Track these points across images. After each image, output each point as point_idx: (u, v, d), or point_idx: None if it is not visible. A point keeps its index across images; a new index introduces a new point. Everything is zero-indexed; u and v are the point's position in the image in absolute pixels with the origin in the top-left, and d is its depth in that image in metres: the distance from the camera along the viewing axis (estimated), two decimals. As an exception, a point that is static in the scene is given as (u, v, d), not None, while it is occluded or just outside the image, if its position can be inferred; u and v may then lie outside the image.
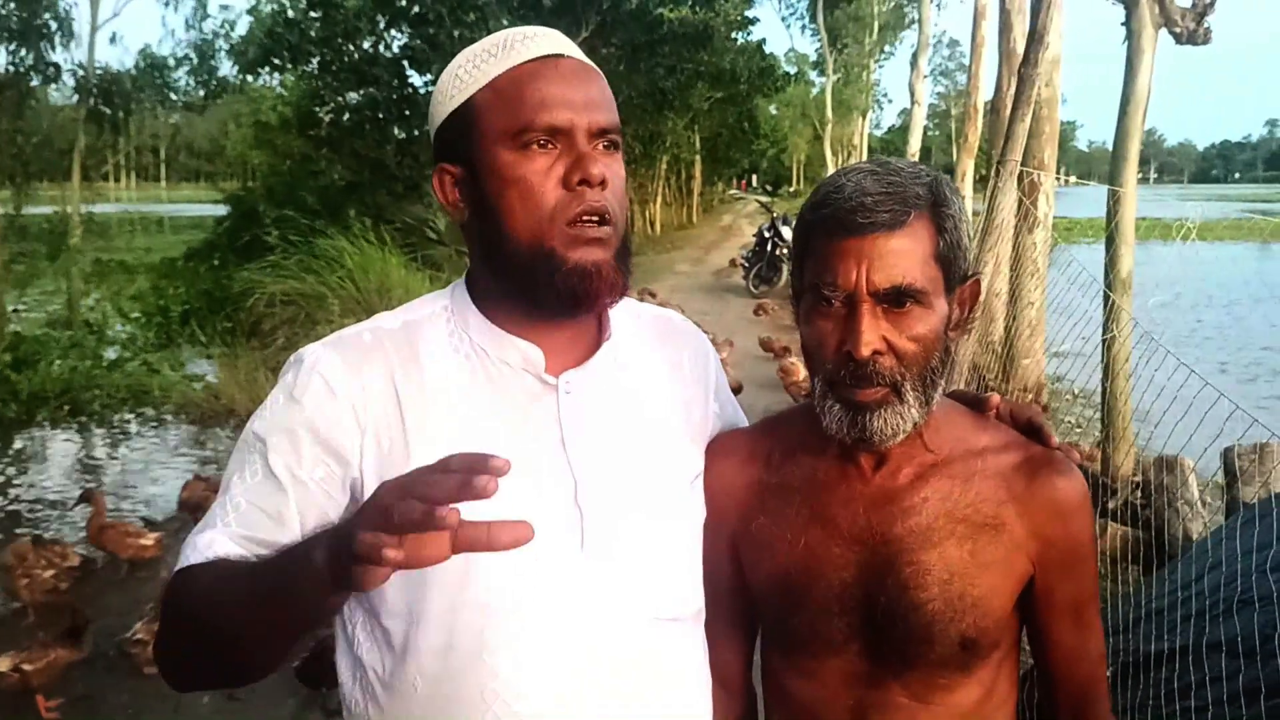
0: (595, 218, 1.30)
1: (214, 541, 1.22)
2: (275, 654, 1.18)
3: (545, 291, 1.30)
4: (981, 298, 1.43)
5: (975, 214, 6.46)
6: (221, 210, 20.79)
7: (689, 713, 1.42)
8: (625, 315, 1.49)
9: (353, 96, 18.47)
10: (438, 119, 1.35)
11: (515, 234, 1.29)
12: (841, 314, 1.31)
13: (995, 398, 1.51)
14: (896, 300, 1.29)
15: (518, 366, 1.35)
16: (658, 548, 1.36)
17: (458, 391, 1.31)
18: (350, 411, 1.28)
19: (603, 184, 1.29)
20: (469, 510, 1.17)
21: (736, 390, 9.83)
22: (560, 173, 1.28)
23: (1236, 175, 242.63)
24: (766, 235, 19.68)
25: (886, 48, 52.44)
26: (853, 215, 1.28)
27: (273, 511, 1.25)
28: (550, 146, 1.28)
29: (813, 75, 60.65)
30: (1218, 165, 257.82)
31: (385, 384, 1.30)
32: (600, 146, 1.31)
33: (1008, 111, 9.57)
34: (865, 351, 1.29)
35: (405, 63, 18.43)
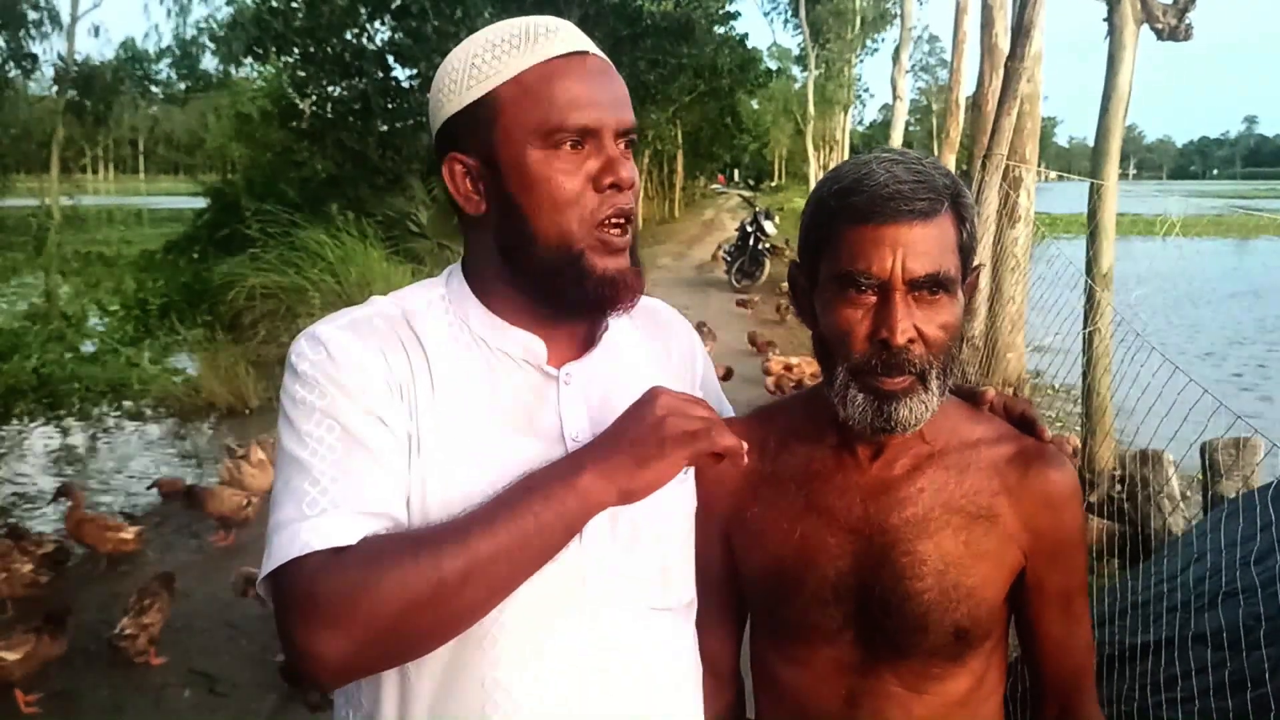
0: (621, 220, 1.30)
1: (338, 527, 1.14)
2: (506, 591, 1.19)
3: (572, 295, 1.31)
4: (978, 288, 1.44)
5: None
6: (201, 203, 20.70)
7: (681, 701, 1.42)
8: None
9: (335, 89, 18.40)
10: (450, 107, 1.32)
11: (542, 233, 1.28)
12: (871, 302, 1.31)
13: (990, 392, 1.51)
14: (930, 289, 1.30)
15: (518, 358, 1.34)
16: (654, 539, 1.37)
17: (461, 381, 1.30)
18: (390, 391, 1.26)
19: (630, 186, 1.30)
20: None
21: (726, 376, 9.99)
22: (589, 173, 1.28)
23: (1215, 172, 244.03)
24: (749, 230, 19.68)
25: (868, 43, 52.53)
26: (890, 202, 1.28)
27: (380, 467, 1.22)
28: (580, 147, 1.28)
29: (795, 70, 60.80)
30: (1196, 161, 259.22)
31: (405, 365, 1.28)
32: (623, 146, 1.31)
33: (990, 106, 9.61)
34: (902, 339, 1.28)
35: (389, 55, 18.37)
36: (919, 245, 1.28)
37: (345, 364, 1.25)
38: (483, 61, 1.29)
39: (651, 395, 1.24)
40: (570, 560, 1.28)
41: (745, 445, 1.22)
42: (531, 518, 1.16)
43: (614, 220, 1.30)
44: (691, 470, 1.48)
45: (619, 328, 1.44)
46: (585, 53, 1.31)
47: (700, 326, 11.72)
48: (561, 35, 1.30)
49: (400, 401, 1.26)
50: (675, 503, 1.42)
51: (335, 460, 1.19)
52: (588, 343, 1.40)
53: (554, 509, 1.17)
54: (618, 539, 1.32)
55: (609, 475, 1.18)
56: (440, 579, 1.11)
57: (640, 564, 1.35)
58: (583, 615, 1.29)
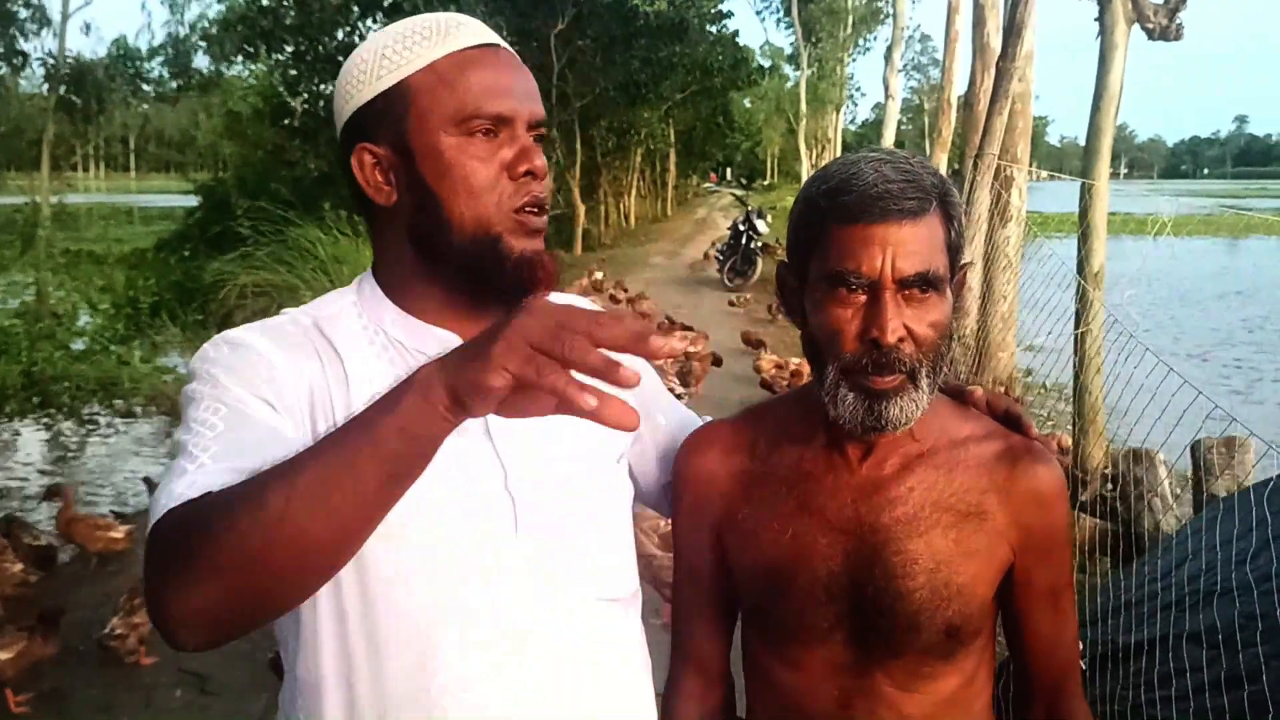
0: (536, 208, 1.30)
1: (196, 482, 1.07)
2: (359, 530, 1.04)
3: (493, 280, 1.28)
4: (967, 286, 1.44)
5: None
6: (192, 201, 20.68)
7: (632, 692, 1.41)
8: None
9: (327, 87, 18.40)
10: (358, 98, 1.31)
11: (457, 218, 1.27)
12: (861, 301, 1.31)
13: (977, 391, 1.52)
14: (920, 287, 1.30)
15: (435, 356, 1.29)
16: (591, 529, 1.35)
17: (378, 385, 1.23)
18: (293, 387, 1.23)
19: (544, 175, 1.30)
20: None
21: (716, 363, 10.04)
22: (504, 161, 1.28)
23: (1205, 171, 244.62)
24: (741, 228, 19.69)
25: (860, 42, 52.72)
26: (879, 202, 1.28)
27: (259, 433, 1.16)
28: (493, 135, 1.28)
29: (787, 69, 60.90)
30: (1187, 161, 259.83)
31: (318, 369, 1.26)
32: (532, 139, 1.31)
33: (981, 106, 9.64)
34: (892, 338, 1.29)
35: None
36: (908, 244, 1.28)
37: (244, 355, 1.24)
38: (393, 52, 1.29)
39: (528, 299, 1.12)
40: (507, 559, 1.26)
41: (595, 402, 0.93)
42: (361, 424, 1.02)
43: (529, 207, 1.29)
44: (625, 457, 1.48)
45: None
46: (496, 45, 1.31)
47: (702, 335, 11.77)
48: (472, 28, 1.31)
49: (308, 405, 1.24)
50: (607, 489, 1.41)
51: (215, 436, 1.14)
52: None
53: (386, 409, 1.01)
54: (553, 533, 1.30)
55: (443, 368, 1.01)
56: (268, 500, 0.98)
57: (581, 554, 1.33)
58: (528, 611, 1.27)
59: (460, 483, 1.24)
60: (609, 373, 0.91)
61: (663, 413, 1.62)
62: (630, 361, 1.39)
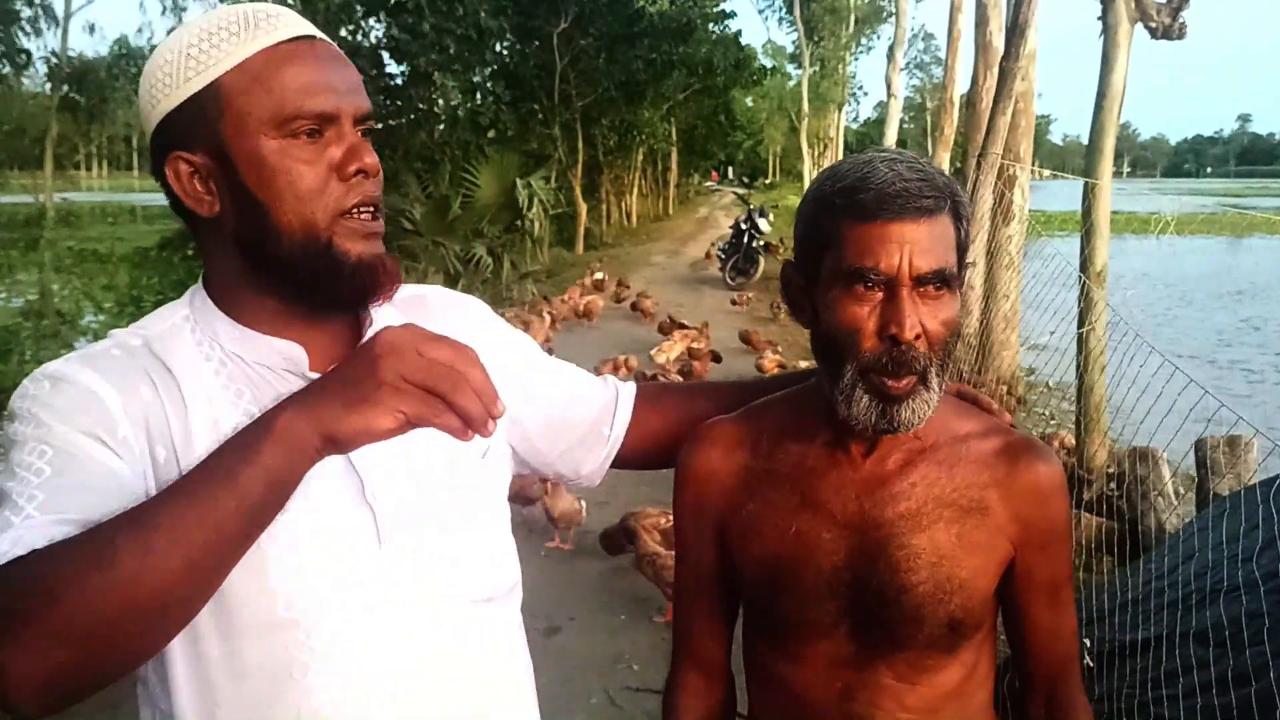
0: (371, 208, 1.23)
1: (21, 539, 0.99)
2: (213, 579, 1.02)
3: (328, 287, 1.22)
4: (968, 285, 1.44)
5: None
6: (195, 200, 20.64)
7: (513, 692, 1.39)
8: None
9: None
10: (165, 104, 1.20)
11: (285, 225, 1.19)
12: (877, 299, 1.31)
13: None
14: (935, 284, 1.31)
15: (279, 369, 1.25)
16: (459, 531, 1.31)
17: (220, 404, 1.19)
18: (125, 417, 1.16)
19: (377, 172, 1.24)
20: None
21: (716, 359, 10.07)
22: (332, 162, 1.20)
23: (1208, 170, 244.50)
24: (743, 227, 19.68)
25: (863, 40, 52.80)
26: (897, 199, 1.29)
27: (90, 474, 1.08)
28: (318, 135, 1.20)
29: (789, 68, 60.97)
30: (1190, 160, 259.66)
31: (151, 394, 1.19)
32: (361, 134, 1.24)
33: (984, 105, 9.64)
34: (910, 334, 1.29)
35: (384, 53, 18.40)
36: (924, 242, 1.29)
37: (67, 391, 1.15)
38: (199, 52, 1.18)
39: (378, 334, 1.06)
40: (371, 572, 1.23)
41: (491, 420, 1.04)
42: (222, 473, 1.00)
43: (362, 209, 1.22)
44: (492, 450, 1.42)
45: (385, 320, 1.31)
46: (313, 37, 1.22)
47: (705, 328, 11.81)
48: (285, 20, 1.21)
49: (144, 433, 1.16)
50: (472, 486, 1.36)
51: (41, 482, 1.06)
52: (353, 342, 1.29)
53: (248, 459, 1.00)
54: (418, 541, 1.26)
55: (311, 415, 1.01)
56: (120, 558, 0.94)
57: (447, 561, 1.29)
58: (396, 626, 1.24)
59: (317, 499, 1.19)
60: (489, 413, 1.04)
61: (543, 382, 1.56)
62: (483, 336, 1.38)
